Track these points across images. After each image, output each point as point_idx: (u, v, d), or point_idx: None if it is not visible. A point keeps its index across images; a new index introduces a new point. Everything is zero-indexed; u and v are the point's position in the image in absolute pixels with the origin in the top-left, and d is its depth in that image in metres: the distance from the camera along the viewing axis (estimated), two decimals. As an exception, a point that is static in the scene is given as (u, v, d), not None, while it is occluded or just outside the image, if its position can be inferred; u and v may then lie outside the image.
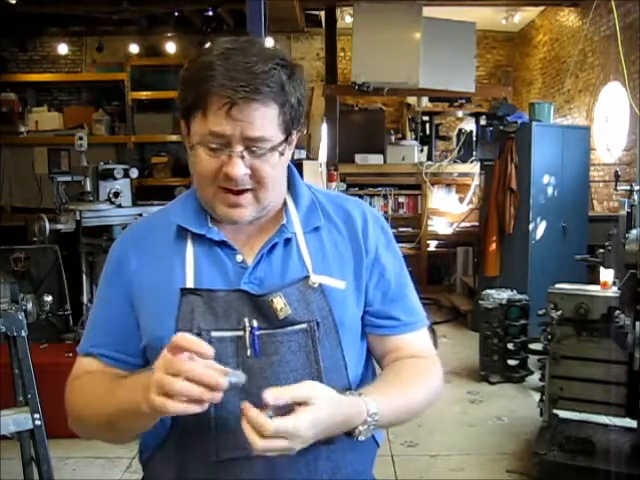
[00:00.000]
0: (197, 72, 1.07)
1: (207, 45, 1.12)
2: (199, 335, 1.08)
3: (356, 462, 1.17)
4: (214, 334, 1.10)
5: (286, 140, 1.12)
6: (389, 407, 1.08)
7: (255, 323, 1.10)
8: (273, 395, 0.93)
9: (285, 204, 1.20)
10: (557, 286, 3.32)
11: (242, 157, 1.07)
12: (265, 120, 1.07)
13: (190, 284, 1.13)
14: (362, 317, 1.21)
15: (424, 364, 1.22)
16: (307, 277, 1.14)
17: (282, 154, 1.12)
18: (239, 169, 1.07)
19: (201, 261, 1.15)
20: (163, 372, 0.93)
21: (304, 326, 1.11)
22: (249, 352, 1.09)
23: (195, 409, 0.93)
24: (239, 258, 1.15)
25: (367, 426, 1.04)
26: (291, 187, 1.23)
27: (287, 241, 1.17)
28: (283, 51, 1.14)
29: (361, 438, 1.04)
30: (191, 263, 1.15)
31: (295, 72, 1.11)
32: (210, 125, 1.06)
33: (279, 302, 1.11)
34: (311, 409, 0.95)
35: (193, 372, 0.92)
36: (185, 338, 0.95)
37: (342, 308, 1.15)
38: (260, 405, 1.02)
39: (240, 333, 1.10)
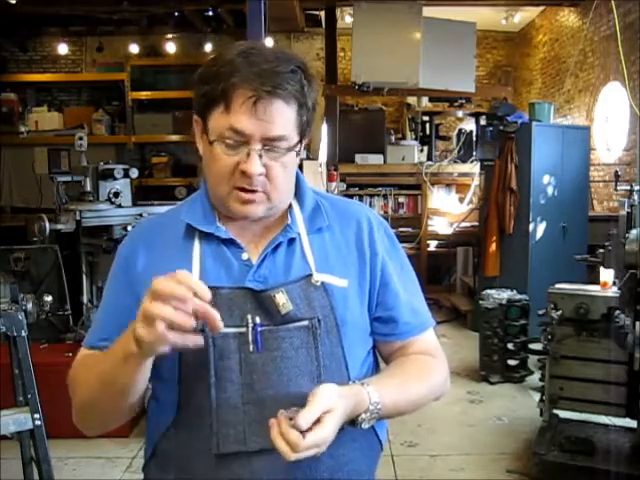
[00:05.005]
0: (219, 68, 1.09)
1: (224, 47, 1.15)
2: (202, 331, 1.09)
3: (357, 461, 1.17)
4: None
5: (300, 142, 1.14)
6: (391, 398, 1.11)
7: (258, 319, 1.11)
8: (306, 421, 0.96)
9: (290, 205, 1.22)
10: (557, 286, 3.32)
11: (260, 155, 1.09)
12: (285, 119, 1.09)
13: None
14: (370, 323, 1.23)
15: (428, 361, 1.24)
16: (310, 275, 1.15)
17: (298, 154, 1.15)
18: (257, 167, 1.09)
19: (207, 259, 1.17)
20: (148, 303, 0.94)
21: (306, 323, 1.13)
22: (251, 348, 1.10)
23: (180, 339, 0.93)
24: (245, 256, 1.17)
25: (369, 414, 1.07)
26: (296, 189, 1.24)
27: (291, 241, 1.19)
28: (301, 57, 1.15)
29: (364, 426, 1.08)
30: (197, 260, 1.16)
31: (312, 79, 1.14)
32: (232, 121, 1.08)
33: (281, 298, 1.12)
34: (334, 415, 0.99)
35: (181, 296, 0.92)
36: (187, 275, 0.95)
37: (344, 307, 1.16)
38: (262, 398, 1.07)
39: (243, 329, 1.11)
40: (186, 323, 0.93)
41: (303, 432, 0.95)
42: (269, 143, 1.09)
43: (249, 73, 1.06)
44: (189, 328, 0.93)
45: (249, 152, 1.09)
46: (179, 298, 0.92)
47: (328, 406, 0.99)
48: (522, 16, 8.51)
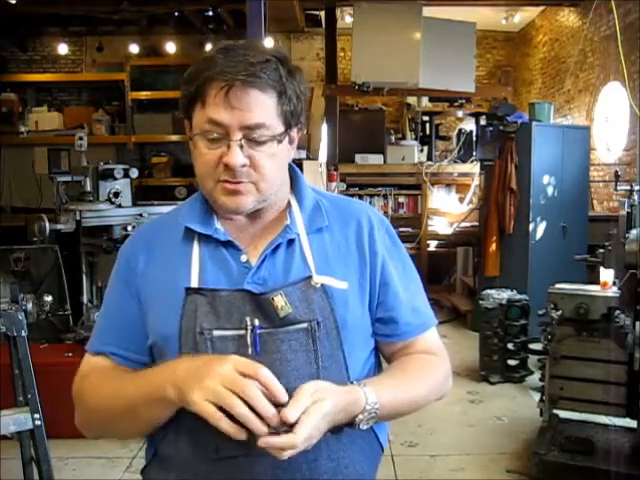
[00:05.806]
0: (197, 67, 1.11)
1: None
2: (201, 334, 1.10)
3: (358, 463, 1.16)
4: (216, 333, 1.11)
5: (286, 132, 1.13)
6: (389, 398, 1.10)
7: (257, 322, 1.11)
8: (294, 415, 0.95)
9: (289, 205, 1.21)
10: (557, 286, 3.32)
11: (241, 146, 1.09)
12: (263, 108, 1.09)
13: (195, 284, 1.14)
14: (371, 324, 1.22)
15: (430, 360, 1.23)
16: (309, 277, 1.15)
17: (280, 142, 1.12)
18: (238, 158, 1.08)
19: (206, 261, 1.16)
20: (220, 384, 0.95)
21: (305, 325, 1.12)
22: (250, 350, 1.10)
23: (240, 436, 0.95)
24: (243, 258, 1.16)
25: (367, 414, 1.06)
26: (295, 189, 1.24)
27: (290, 242, 1.18)
28: (284, 51, 1.15)
29: (363, 426, 1.07)
30: (196, 263, 1.16)
31: (294, 70, 1.13)
32: (208, 112, 1.08)
33: (280, 300, 1.11)
34: (318, 405, 0.98)
35: (256, 401, 0.94)
36: (269, 375, 0.97)
37: (344, 309, 1.15)
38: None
39: (242, 332, 1.11)
40: (248, 421, 0.94)
41: (293, 425, 0.95)
42: (249, 132, 1.08)
43: (224, 66, 1.07)
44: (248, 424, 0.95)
45: (229, 144, 1.08)
46: (253, 401, 0.94)
47: (314, 397, 0.98)
48: (522, 16, 8.51)
